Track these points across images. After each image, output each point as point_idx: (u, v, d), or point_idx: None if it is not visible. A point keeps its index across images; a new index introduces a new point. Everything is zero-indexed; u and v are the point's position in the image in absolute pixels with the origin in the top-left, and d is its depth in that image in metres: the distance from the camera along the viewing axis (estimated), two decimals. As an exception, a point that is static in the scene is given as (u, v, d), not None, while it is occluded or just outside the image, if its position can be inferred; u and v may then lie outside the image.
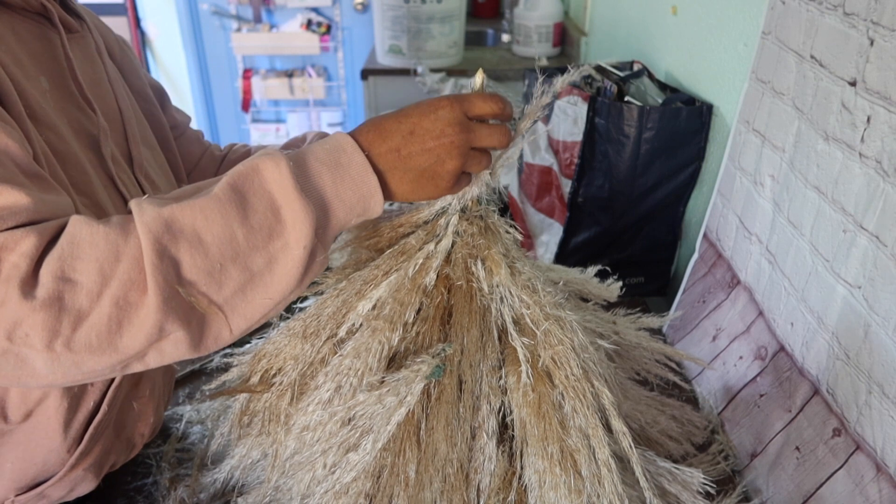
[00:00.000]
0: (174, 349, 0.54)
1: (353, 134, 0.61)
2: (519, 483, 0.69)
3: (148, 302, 0.51)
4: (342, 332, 0.71)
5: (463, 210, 0.71)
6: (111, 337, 0.52)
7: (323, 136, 0.85)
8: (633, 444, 0.69)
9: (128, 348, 0.52)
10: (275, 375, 0.74)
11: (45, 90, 0.69)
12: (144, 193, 0.76)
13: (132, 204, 0.54)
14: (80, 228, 0.52)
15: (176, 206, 0.53)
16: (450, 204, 0.71)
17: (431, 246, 0.71)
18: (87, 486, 0.78)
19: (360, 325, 0.70)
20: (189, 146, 1.00)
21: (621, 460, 0.70)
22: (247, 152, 1.03)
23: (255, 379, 0.75)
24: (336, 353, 0.70)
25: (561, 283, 0.84)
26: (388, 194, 0.62)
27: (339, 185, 0.58)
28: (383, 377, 0.68)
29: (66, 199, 0.58)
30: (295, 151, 0.59)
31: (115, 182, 0.73)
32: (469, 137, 0.61)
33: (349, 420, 0.68)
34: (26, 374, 0.52)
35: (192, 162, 1.00)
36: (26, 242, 0.50)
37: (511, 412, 0.70)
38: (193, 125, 1.05)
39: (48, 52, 0.72)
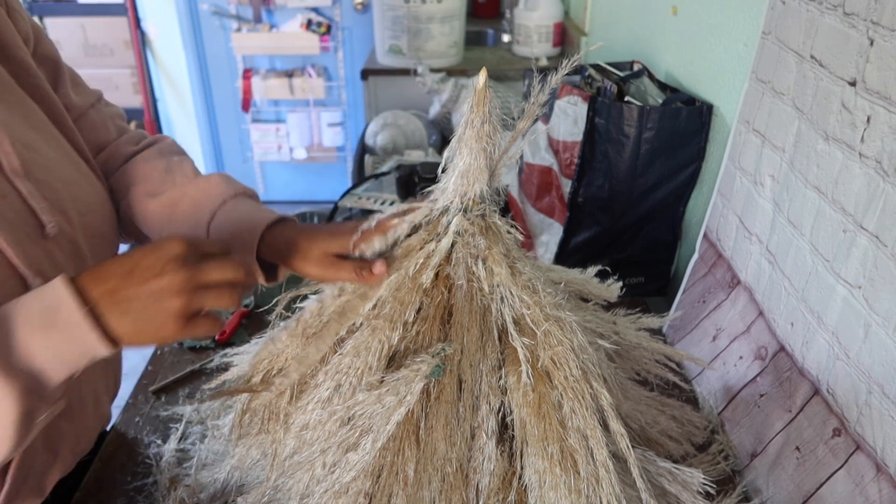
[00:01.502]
0: None
1: (78, 278, 0.56)
2: (518, 483, 0.69)
3: None
4: (343, 331, 0.71)
5: (464, 210, 0.71)
6: None
7: (228, 186, 0.80)
8: (630, 445, 0.69)
9: None
10: (275, 375, 0.74)
11: None
12: (23, 199, 0.66)
13: None
14: None
15: None
16: (451, 203, 0.71)
17: (432, 245, 0.71)
18: None
19: (361, 323, 0.70)
20: (88, 133, 0.85)
21: (621, 461, 0.70)
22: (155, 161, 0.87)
23: (256, 379, 0.75)
24: (336, 351, 0.71)
25: (562, 283, 0.84)
26: (115, 339, 0.56)
27: (55, 346, 0.54)
28: (383, 376, 0.68)
29: None
30: (8, 311, 0.55)
31: None
32: (193, 274, 0.56)
33: (349, 419, 0.68)
34: None
35: (92, 150, 0.85)
36: None
37: (511, 412, 0.70)
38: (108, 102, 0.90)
39: None
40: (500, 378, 0.70)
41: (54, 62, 0.83)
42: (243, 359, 0.85)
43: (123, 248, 0.86)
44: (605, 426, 0.69)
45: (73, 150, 0.78)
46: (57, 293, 0.54)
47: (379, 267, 0.68)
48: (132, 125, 0.92)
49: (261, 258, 0.75)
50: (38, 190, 0.67)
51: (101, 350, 0.55)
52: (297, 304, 0.80)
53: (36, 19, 3.46)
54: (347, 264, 0.69)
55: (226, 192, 0.79)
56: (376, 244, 0.70)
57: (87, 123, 0.85)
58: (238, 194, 0.80)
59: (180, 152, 0.89)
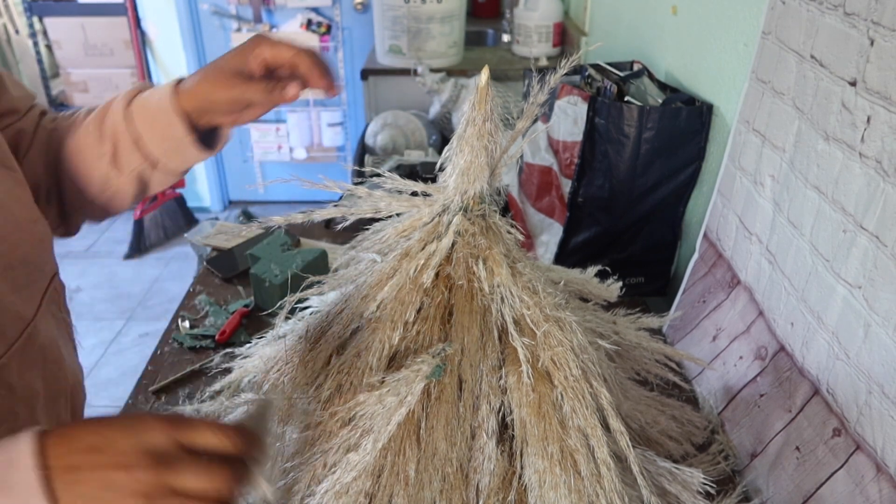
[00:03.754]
0: None
1: (45, 437, 0.49)
2: (519, 483, 0.69)
3: None
4: (347, 334, 0.71)
5: (465, 209, 0.71)
6: None
7: (139, 90, 0.74)
8: (630, 444, 0.69)
9: None
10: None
11: None
12: None
13: None
14: None
15: None
16: (452, 202, 0.71)
17: (433, 245, 0.71)
18: None
19: (362, 324, 0.71)
20: (24, 134, 0.78)
21: (621, 460, 0.70)
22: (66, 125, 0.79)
23: (266, 385, 0.75)
24: (338, 352, 0.71)
25: (562, 283, 0.84)
26: None
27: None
28: (383, 377, 0.68)
29: None
30: None
31: None
32: (165, 478, 0.48)
33: (349, 420, 0.68)
34: None
35: (26, 148, 0.78)
36: None
37: (511, 412, 0.70)
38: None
39: None
40: (501, 378, 0.70)
41: None
42: (243, 362, 0.85)
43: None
44: (606, 425, 0.69)
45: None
46: (18, 454, 0.48)
47: (293, 89, 0.66)
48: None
49: (194, 127, 0.72)
50: None
51: None
52: (299, 305, 0.80)
53: (36, 19, 3.47)
54: (258, 82, 0.67)
55: (130, 87, 0.76)
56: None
57: (23, 127, 0.78)
58: (143, 89, 0.76)
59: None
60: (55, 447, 0.49)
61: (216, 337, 1.18)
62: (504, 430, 0.71)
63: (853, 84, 0.76)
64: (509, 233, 0.73)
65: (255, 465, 0.51)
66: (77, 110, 0.83)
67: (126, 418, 0.51)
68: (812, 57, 0.85)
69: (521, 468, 0.69)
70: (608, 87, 1.33)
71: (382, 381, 0.67)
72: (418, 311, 0.70)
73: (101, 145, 0.75)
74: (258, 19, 3.54)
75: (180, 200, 3.68)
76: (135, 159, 0.75)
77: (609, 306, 0.90)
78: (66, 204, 0.81)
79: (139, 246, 3.49)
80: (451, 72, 2.41)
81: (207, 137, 0.76)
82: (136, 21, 3.43)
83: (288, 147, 3.77)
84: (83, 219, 0.84)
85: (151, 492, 0.47)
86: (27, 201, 0.71)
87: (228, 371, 0.87)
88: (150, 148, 0.74)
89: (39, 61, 3.51)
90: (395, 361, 0.70)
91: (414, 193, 0.75)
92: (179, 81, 0.72)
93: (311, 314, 0.81)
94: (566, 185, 1.33)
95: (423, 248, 0.71)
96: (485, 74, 0.65)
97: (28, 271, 0.70)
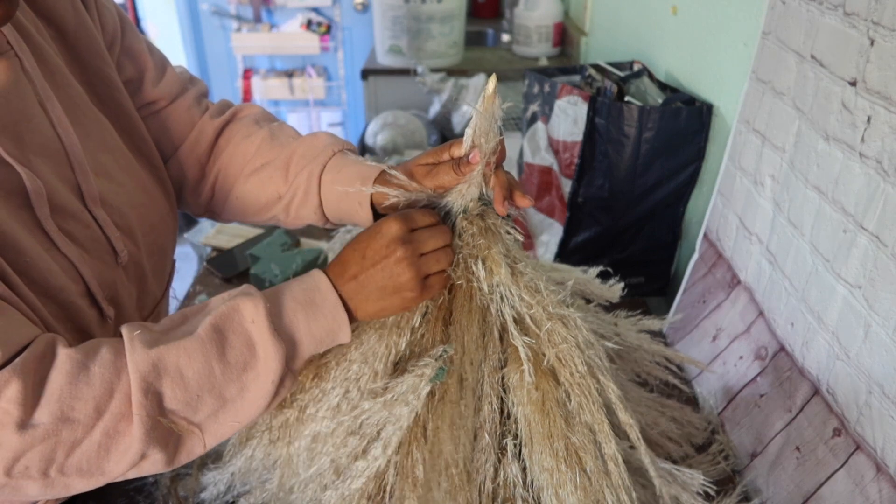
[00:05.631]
0: (151, 467, 0.60)
1: (326, 270, 0.66)
2: (523, 482, 0.69)
3: (133, 432, 0.57)
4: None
5: (464, 210, 0.71)
6: (100, 461, 0.57)
7: (334, 140, 0.83)
8: (640, 436, 0.69)
9: (113, 472, 0.58)
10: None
11: None
12: (100, 227, 0.69)
13: (125, 336, 0.58)
14: (73, 368, 0.55)
15: (163, 347, 0.58)
16: (452, 204, 0.71)
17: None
18: None
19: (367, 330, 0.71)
20: (174, 123, 0.86)
21: (626, 461, 0.70)
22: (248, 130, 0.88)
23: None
24: (344, 357, 0.71)
25: (571, 283, 0.83)
26: (358, 319, 0.67)
27: (312, 322, 0.64)
28: (387, 383, 0.68)
29: (15, 317, 0.57)
30: (275, 287, 0.65)
31: (53, 241, 0.64)
32: (414, 246, 0.65)
33: (358, 427, 0.68)
34: (20, 497, 0.57)
35: (180, 137, 0.87)
36: (10, 389, 0.53)
37: (514, 411, 0.70)
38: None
39: None
40: (502, 377, 0.70)
41: (140, 55, 0.82)
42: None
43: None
44: (613, 420, 0.69)
45: (143, 165, 0.79)
46: (316, 280, 0.65)
47: (474, 156, 0.69)
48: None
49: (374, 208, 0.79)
50: (111, 217, 0.71)
51: (345, 331, 0.65)
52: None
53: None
54: (444, 166, 0.72)
55: (334, 144, 0.83)
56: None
57: (172, 115, 0.86)
58: (345, 149, 0.84)
59: (276, 119, 0.91)
60: (337, 275, 0.66)
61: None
62: (507, 429, 0.71)
63: (853, 84, 0.76)
64: (508, 233, 0.73)
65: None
66: (239, 109, 0.90)
67: (368, 230, 0.67)
68: (812, 57, 0.85)
69: (526, 467, 0.69)
70: (608, 87, 1.33)
71: (386, 388, 0.68)
72: (423, 316, 0.70)
73: (283, 185, 0.83)
74: (258, 19, 3.54)
75: (180, 200, 3.68)
76: (306, 214, 0.83)
77: (610, 307, 0.90)
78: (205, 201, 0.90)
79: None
80: (451, 72, 2.41)
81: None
82: (136, 21, 3.43)
83: (288, 147, 3.77)
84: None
85: (412, 260, 0.65)
86: (169, 193, 0.83)
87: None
88: (328, 214, 0.82)
89: (39, 61, 3.51)
90: (399, 366, 0.70)
91: None
92: (383, 172, 0.78)
93: None
94: (566, 185, 1.33)
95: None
96: (492, 83, 0.65)
97: (163, 256, 0.82)
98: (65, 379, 0.55)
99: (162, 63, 0.86)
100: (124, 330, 0.59)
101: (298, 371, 0.65)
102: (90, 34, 0.74)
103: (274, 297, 0.63)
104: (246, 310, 0.61)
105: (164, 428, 0.58)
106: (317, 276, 0.66)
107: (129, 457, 0.57)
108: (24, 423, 0.53)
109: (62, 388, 0.54)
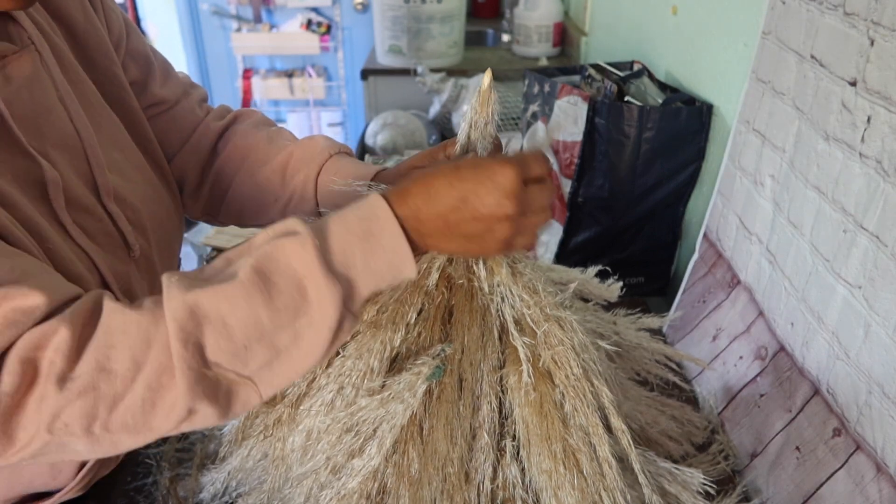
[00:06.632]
0: (204, 421, 0.56)
1: (393, 194, 0.58)
2: (521, 482, 0.69)
3: (177, 385, 0.52)
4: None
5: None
6: (146, 417, 0.53)
7: (331, 143, 0.84)
8: (631, 442, 0.69)
9: (161, 428, 0.54)
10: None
11: None
12: (114, 221, 0.70)
13: (164, 283, 0.54)
14: (113, 317, 0.53)
15: (201, 291, 0.53)
16: None
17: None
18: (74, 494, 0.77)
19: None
20: (178, 122, 0.88)
21: (621, 460, 0.70)
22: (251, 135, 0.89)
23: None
24: (339, 353, 0.71)
25: (573, 284, 0.83)
26: (423, 251, 0.60)
27: (370, 256, 0.56)
28: (384, 381, 0.68)
29: (55, 275, 0.57)
30: (325, 219, 0.57)
31: (69, 231, 0.65)
32: (525, 206, 0.57)
33: (354, 425, 0.68)
34: (69, 455, 0.55)
35: (182, 139, 0.88)
36: (58, 337, 0.51)
37: (512, 412, 0.70)
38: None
39: None
40: (501, 377, 0.70)
41: (145, 57, 0.84)
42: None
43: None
44: (607, 424, 0.69)
45: (149, 163, 0.81)
46: (374, 207, 0.56)
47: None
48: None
49: None
50: (124, 212, 0.71)
51: (410, 266, 0.57)
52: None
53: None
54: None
55: (330, 147, 0.82)
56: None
57: (176, 117, 0.87)
58: (341, 151, 0.83)
59: (274, 123, 0.92)
60: (418, 206, 0.57)
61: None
62: (505, 430, 0.71)
63: (853, 84, 0.76)
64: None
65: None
66: (239, 113, 0.92)
67: (475, 168, 0.57)
68: (812, 57, 0.85)
69: (523, 468, 0.69)
70: (608, 87, 1.33)
71: (383, 386, 0.67)
72: (419, 313, 0.70)
73: (280, 187, 0.83)
74: (258, 19, 3.54)
75: (180, 200, 3.68)
76: (302, 211, 0.82)
77: (609, 306, 0.90)
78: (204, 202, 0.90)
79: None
80: (451, 72, 2.41)
81: None
82: (137, 21, 3.43)
83: (288, 147, 3.77)
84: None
85: (517, 220, 0.57)
86: (174, 192, 0.84)
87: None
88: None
89: (39, 61, 3.51)
90: (396, 363, 0.70)
91: None
92: (380, 171, 0.78)
93: None
94: (566, 185, 1.33)
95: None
96: (487, 77, 0.65)
97: (171, 254, 0.83)
98: (102, 328, 0.52)
99: (165, 66, 0.88)
100: (164, 277, 0.55)
101: (360, 309, 0.58)
102: (98, 34, 0.76)
103: (324, 229, 0.56)
104: (293, 252, 0.54)
105: (210, 380, 0.53)
106: (375, 202, 0.57)
107: (176, 412, 0.53)
108: (64, 377, 0.51)
109: (99, 337, 0.52)
